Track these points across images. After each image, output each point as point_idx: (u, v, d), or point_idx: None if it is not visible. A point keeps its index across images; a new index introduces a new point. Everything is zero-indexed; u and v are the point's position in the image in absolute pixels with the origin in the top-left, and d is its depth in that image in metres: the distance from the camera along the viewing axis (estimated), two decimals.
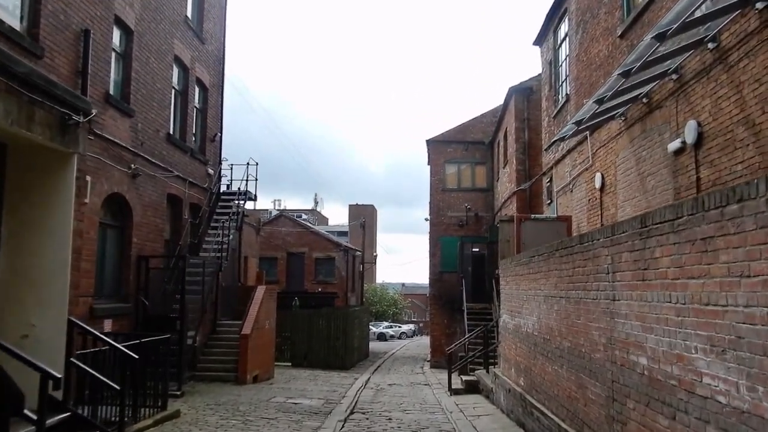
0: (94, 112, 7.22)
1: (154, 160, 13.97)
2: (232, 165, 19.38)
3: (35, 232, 7.04)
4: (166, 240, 14.97)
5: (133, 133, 13.02)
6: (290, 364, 25.26)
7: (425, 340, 58.66)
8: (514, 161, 20.41)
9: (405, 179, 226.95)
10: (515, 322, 11.28)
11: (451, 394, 16.57)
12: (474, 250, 27.26)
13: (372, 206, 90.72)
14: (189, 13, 16.53)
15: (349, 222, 69.82)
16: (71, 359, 7.36)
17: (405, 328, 67.20)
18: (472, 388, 16.59)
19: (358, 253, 41.61)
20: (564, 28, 15.87)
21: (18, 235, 6.98)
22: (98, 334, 8.18)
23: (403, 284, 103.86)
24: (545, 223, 13.27)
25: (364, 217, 47.67)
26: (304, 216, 67.11)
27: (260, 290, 18.52)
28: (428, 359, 30.35)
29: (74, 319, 7.45)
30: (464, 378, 17.34)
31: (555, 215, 14.73)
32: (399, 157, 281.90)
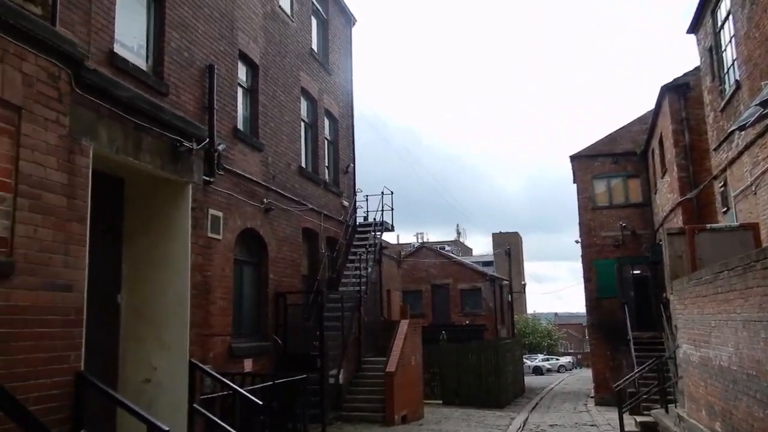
0: (207, 138, 6.77)
1: (286, 194, 13.70)
2: (367, 196, 18.90)
3: (154, 268, 6.64)
4: (303, 275, 14.59)
5: (264, 167, 12.82)
6: (441, 402, 24.01)
7: (585, 374, 54.53)
8: (675, 168, 18.03)
9: (548, 203, 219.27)
10: (701, 353, 9.35)
11: None
12: (634, 272, 24.58)
13: (516, 233, 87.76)
14: (314, 46, 16.42)
15: (494, 251, 67.77)
16: (194, 405, 6.81)
17: (563, 360, 63.30)
18: (648, 431, 14.38)
19: (505, 282, 39.69)
20: (725, 6, 13.71)
21: (138, 272, 6.62)
22: (218, 376, 7.60)
23: (555, 314, 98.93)
24: (725, 233, 11.15)
25: (508, 245, 45.72)
26: (447, 248, 66.14)
27: (404, 324, 17.62)
28: (591, 395, 27.67)
29: (195, 361, 6.90)
30: (638, 419, 15.13)
31: (736, 223, 12.45)
32: (540, 179, 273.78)
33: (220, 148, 10.71)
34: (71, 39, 4.89)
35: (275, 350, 12.61)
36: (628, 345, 23.83)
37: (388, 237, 32.21)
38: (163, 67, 9.56)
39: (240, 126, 12.03)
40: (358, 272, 16.15)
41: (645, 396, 16.42)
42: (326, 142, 17.07)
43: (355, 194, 18.58)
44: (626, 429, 14.86)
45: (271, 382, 9.00)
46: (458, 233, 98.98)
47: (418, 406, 17.96)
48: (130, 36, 9.12)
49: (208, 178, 10.29)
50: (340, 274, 16.42)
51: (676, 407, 12.42)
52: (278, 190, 13.32)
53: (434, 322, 34.60)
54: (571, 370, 61.03)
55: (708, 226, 11.59)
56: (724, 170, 14.19)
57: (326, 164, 17.32)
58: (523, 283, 63.88)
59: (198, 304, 9.37)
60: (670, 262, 11.36)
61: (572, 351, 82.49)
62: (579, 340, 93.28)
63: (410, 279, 35.75)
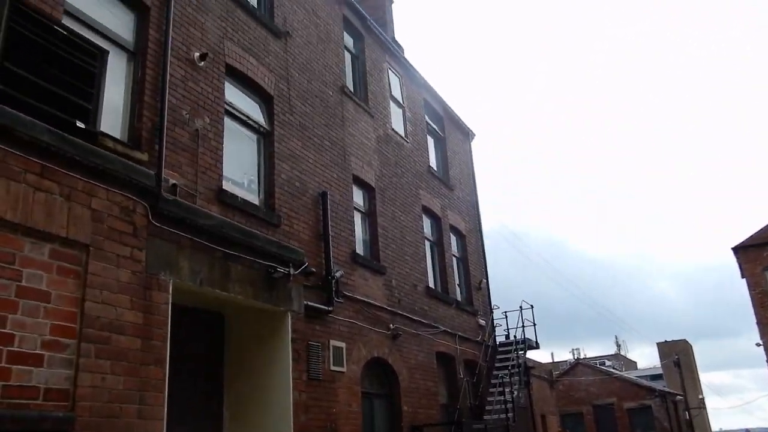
0: (305, 263, 6.30)
1: (415, 317, 12.91)
2: (506, 313, 17.55)
3: (255, 409, 6.01)
4: (441, 404, 13.36)
5: (388, 291, 12.22)
6: None
7: None
8: None
9: (715, 304, 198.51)
10: None
11: None
12: None
13: (684, 341, 79.02)
14: (432, 163, 16.21)
15: (661, 362, 61.35)
16: None
17: None
18: None
19: (679, 397, 34.99)
20: None
21: (239, 414, 6.00)
22: None
23: (747, 430, 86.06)
24: None
25: (676, 354, 40.88)
26: (607, 362, 60.70)
27: None
28: None
29: None
30: None
31: None
32: (700, 279, 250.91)
33: (337, 274, 10.31)
34: (146, 171, 4.70)
35: None
36: None
37: (540, 356, 29.94)
38: (274, 198, 9.51)
39: (359, 250, 11.67)
40: (503, 397, 14.60)
41: None
42: (454, 259, 16.32)
43: (491, 311, 17.37)
44: None
45: None
46: (618, 346, 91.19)
47: None
48: (239, 171, 9.24)
49: (326, 308, 9.84)
50: (484, 400, 14.95)
51: None
52: (405, 314, 12.58)
53: None
54: None
55: None
56: None
57: (457, 282, 16.46)
58: (700, 396, 56.48)
59: None
60: None
61: None
62: None
63: (568, 401, 32.56)
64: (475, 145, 20.17)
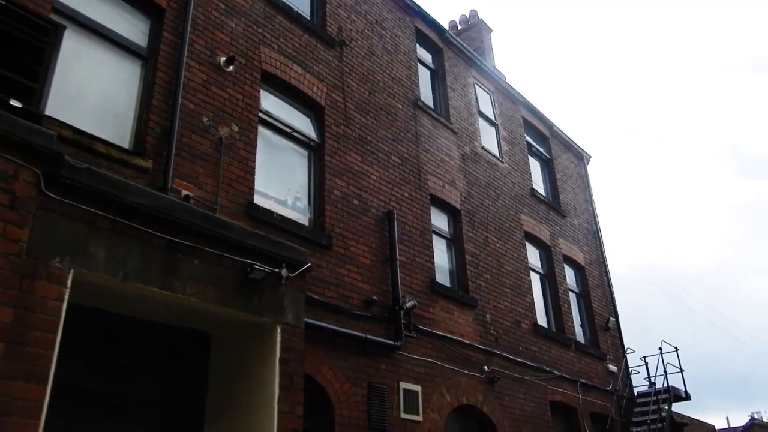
0: (307, 264, 4.88)
1: (518, 359, 10.89)
2: (645, 357, 14.76)
3: None
4: None
5: (481, 327, 10.40)
6: None
7: None
8: None
9: None
10: None
11: None
12: None
13: None
14: (537, 186, 14.30)
15: None
16: None
17: None
18: None
19: None
20: None
21: None
22: None
23: None
24: None
25: None
26: None
27: None
28: None
29: None
30: None
31: None
32: None
33: (408, 305, 8.76)
34: (44, 131, 3.65)
35: None
36: None
37: (715, 421, 25.50)
38: (325, 217, 8.30)
39: (441, 280, 10.05)
40: None
41: None
42: (572, 294, 14.06)
43: (624, 356, 14.68)
44: None
45: None
46: None
47: None
48: (280, 187, 8.17)
49: (393, 343, 8.30)
50: None
51: None
52: (506, 354, 10.63)
53: None
54: None
55: None
56: None
57: (578, 323, 14.13)
58: None
59: None
60: None
61: None
62: None
63: None
64: (596, 170, 17.90)
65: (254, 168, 7.58)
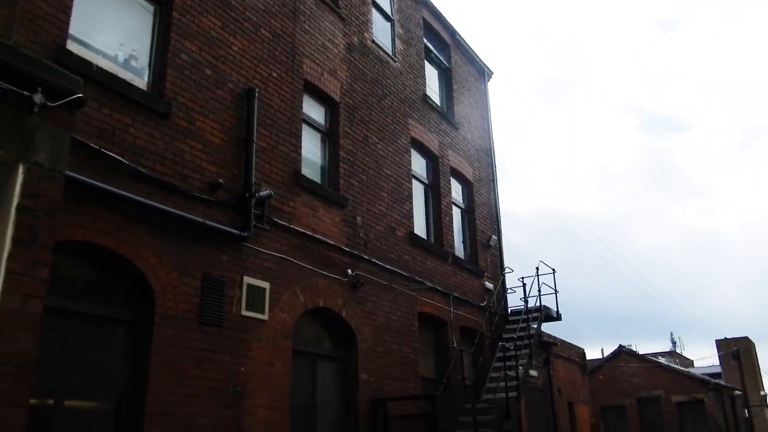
0: (77, 94, 3.78)
1: (388, 266, 10.31)
2: (523, 278, 14.63)
3: None
4: (423, 377, 10.72)
5: (350, 228, 9.66)
6: None
7: None
8: None
9: None
10: None
11: None
12: None
13: (746, 338, 73.64)
14: (431, 93, 13.48)
15: (719, 357, 56.73)
16: None
17: None
18: None
19: (738, 392, 31.15)
20: None
21: None
22: None
23: None
24: None
25: (736, 347, 36.87)
26: (661, 359, 56.54)
27: None
28: None
29: None
30: None
31: None
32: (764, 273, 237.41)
33: (262, 194, 7.81)
34: None
35: None
36: None
37: (589, 353, 26.69)
38: (165, 82, 7.08)
39: (308, 173, 9.14)
40: (512, 373, 11.80)
41: None
42: (456, 209, 13.59)
43: (502, 274, 14.55)
44: None
45: None
46: (673, 343, 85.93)
47: None
48: (110, 39, 6.84)
49: (239, 233, 7.37)
50: (484, 377, 12.23)
51: None
52: (375, 260, 10.00)
53: None
54: None
55: None
56: None
57: (461, 240, 13.77)
58: (762, 393, 51.70)
59: (228, 416, 6.20)
60: None
61: None
62: None
63: (608, 392, 29.30)
64: (498, 93, 17.28)
65: (70, 7, 6.19)
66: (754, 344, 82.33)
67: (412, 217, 11.56)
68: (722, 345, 74.68)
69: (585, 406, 19.82)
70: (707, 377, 30.38)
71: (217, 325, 6.92)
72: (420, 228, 11.98)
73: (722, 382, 31.69)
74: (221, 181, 7.37)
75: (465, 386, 11.72)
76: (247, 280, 7.43)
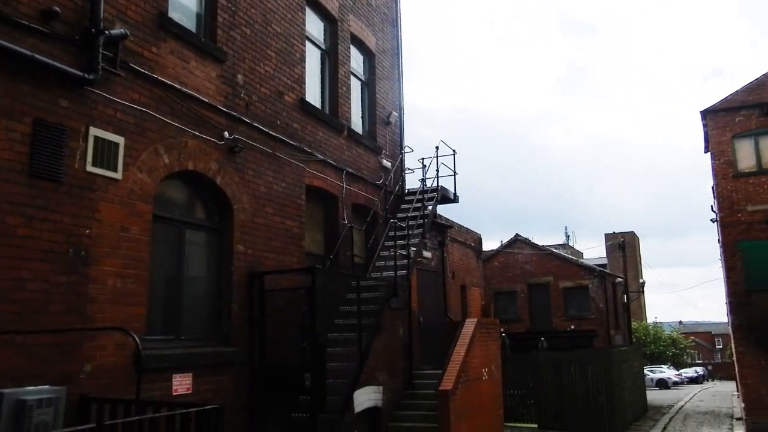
0: None
1: (273, 133, 9.43)
2: (423, 159, 14.14)
3: None
4: (308, 253, 10.22)
5: (229, 87, 8.62)
6: (536, 426, 18.78)
7: (721, 387, 46.54)
8: None
9: (668, 205, 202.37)
10: None
11: None
12: None
13: (632, 233, 79.10)
14: None
15: (606, 249, 60.78)
16: None
17: (692, 372, 55.38)
18: None
19: (619, 279, 33.34)
20: None
21: None
22: None
23: (680, 322, 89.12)
24: None
25: (623, 238, 39.16)
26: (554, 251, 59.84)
27: (469, 325, 12.80)
28: (739, 416, 21.43)
29: None
30: None
31: None
32: (658, 179, 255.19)
33: (114, 32, 6.61)
34: None
35: (249, 361, 8.31)
36: None
37: (488, 244, 27.17)
38: None
39: (177, 17, 7.91)
40: (404, 251, 11.52)
41: None
42: (354, 79, 12.67)
43: (401, 153, 14.02)
44: None
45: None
46: (566, 236, 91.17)
47: None
48: None
49: (82, 74, 6.22)
50: (375, 255, 11.92)
51: None
52: (257, 125, 9.08)
53: (532, 328, 29.16)
54: (702, 383, 53.14)
55: None
56: None
57: (359, 114, 12.97)
58: (641, 281, 56.32)
59: (68, 282, 5.32)
60: None
61: (700, 362, 73.55)
62: (708, 350, 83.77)
63: (502, 278, 30.54)
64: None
65: None
66: (638, 238, 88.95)
67: (304, 83, 10.58)
68: (609, 238, 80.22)
69: (477, 289, 20.35)
70: (593, 266, 32.15)
71: (54, 180, 5.92)
72: (313, 96, 11.05)
73: (607, 271, 33.75)
74: (57, 9, 6.10)
75: (354, 264, 11.40)
76: (94, 131, 6.38)
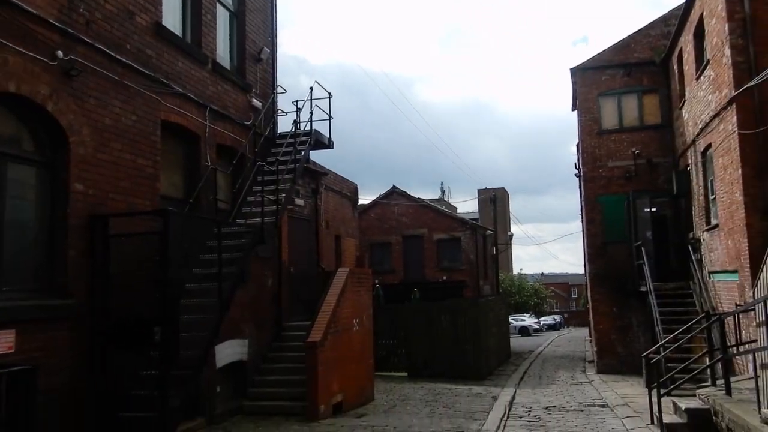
0: None
1: (123, 58, 8.28)
2: (297, 102, 13.32)
3: None
4: (163, 195, 9.25)
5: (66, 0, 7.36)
6: (406, 374, 19.08)
7: (575, 333, 50.44)
8: (727, 53, 12.74)
9: (535, 166, 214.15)
10: None
11: None
12: (650, 209, 19.48)
13: (503, 189, 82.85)
14: None
15: (479, 204, 62.92)
16: None
17: (550, 320, 59.63)
18: (699, 422, 9.43)
19: (489, 232, 34.58)
20: None
21: None
22: None
23: (542, 274, 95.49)
24: None
25: (494, 193, 40.62)
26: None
27: (341, 275, 12.42)
28: (591, 360, 23.02)
29: None
30: (680, 403, 10.11)
31: None
32: (526, 139, 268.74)
33: None
34: None
35: (91, 313, 7.36)
36: (640, 299, 18.99)
37: (368, 196, 26.83)
38: None
39: None
40: (273, 197, 10.79)
41: (675, 366, 11.49)
42: (222, 8, 11.54)
43: (274, 93, 13.12)
44: (665, 419, 9.87)
45: None
46: (442, 191, 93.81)
47: (365, 388, 12.94)
48: None
49: None
50: (241, 200, 11.11)
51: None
52: (101, 47, 7.89)
53: (406, 279, 29.58)
54: (559, 329, 57.38)
55: None
56: None
57: (228, 48, 11.88)
58: (509, 233, 59.14)
59: None
60: None
61: (558, 310, 79.51)
62: (565, 300, 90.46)
63: (378, 230, 30.58)
64: None
65: None
66: (508, 194, 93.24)
67: (161, 4, 9.39)
68: (482, 193, 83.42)
69: (352, 240, 20.09)
70: (466, 218, 33.02)
71: None
72: (172, 22, 9.89)
73: (478, 224, 34.85)
74: None
75: (218, 210, 10.54)
76: None
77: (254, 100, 12.21)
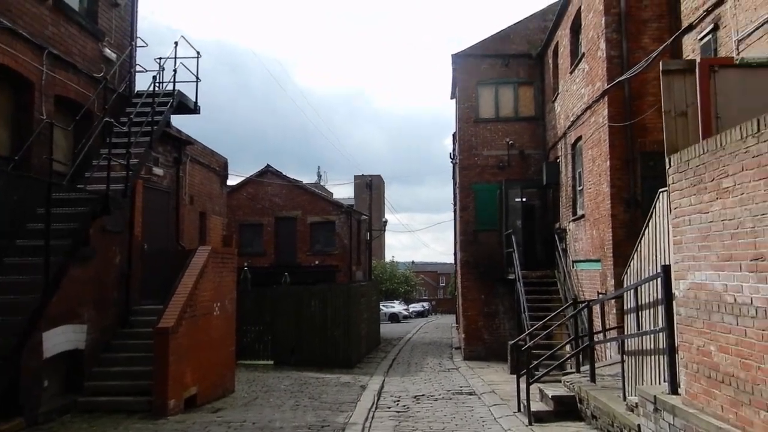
0: None
1: None
2: (161, 59, 11.80)
3: None
4: None
5: None
6: (272, 362, 18.13)
7: (443, 320, 51.74)
8: (603, 46, 12.94)
9: (411, 156, 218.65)
10: (718, 286, 4.26)
11: (531, 422, 9.35)
12: (521, 199, 19.87)
13: (379, 176, 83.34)
14: None
15: (355, 191, 62.66)
16: None
17: (419, 307, 60.83)
18: (565, 409, 9.38)
19: (364, 217, 34.19)
20: None
21: None
22: None
23: (413, 262, 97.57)
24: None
25: (371, 179, 40.30)
26: None
27: (201, 254, 11.22)
28: (458, 346, 23.26)
29: None
30: (547, 390, 10.04)
31: None
32: (404, 131, 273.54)
33: None
34: None
35: None
36: (508, 287, 19.34)
37: (238, 175, 25.13)
38: None
39: None
40: (123, 161, 9.36)
41: (542, 353, 11.53)
42: None
43: (132, 44, 11.58)
44: (532, 407, 9.72)
45: None
46: (319, 176, 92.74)
47: (226, 379, 11.87)
48: None
49: None
50: (82, 163, 9.60)
51: (652, 388, 7.46)
52: None
53: (278, 262, 28.45)
54: (427, 316, 58.72)
55: (738, 60, 6.27)
56: (711, 10, 9.10)
57: None
58: (384, 219, 59.45)
59: None
60: (667, 122, 5.98)
61: (426, 298, 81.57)
62: (434, 288, 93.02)
63: (250, 210, 29.16)
64: None
65: None
66: (384, 182, 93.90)
67: None
68: (359, 179, 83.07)
69: (219, 218, 18.73)
70: (341, 202, 32.38)
71: None
72: None
73: (354, 208, 34.36)
74: None
75: (53, 171, 9.00)
76: None
77: (107, 50, 10.66)
